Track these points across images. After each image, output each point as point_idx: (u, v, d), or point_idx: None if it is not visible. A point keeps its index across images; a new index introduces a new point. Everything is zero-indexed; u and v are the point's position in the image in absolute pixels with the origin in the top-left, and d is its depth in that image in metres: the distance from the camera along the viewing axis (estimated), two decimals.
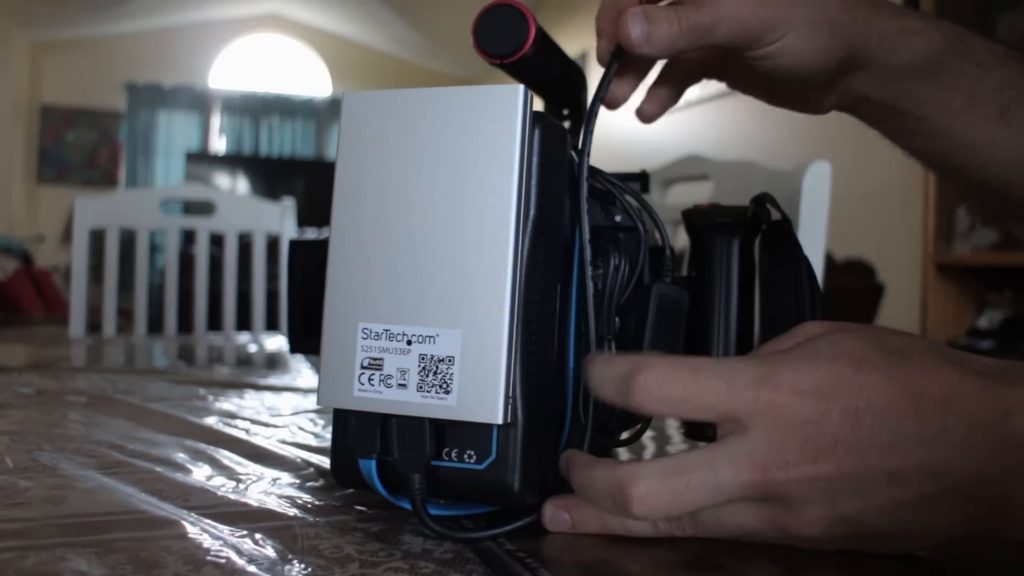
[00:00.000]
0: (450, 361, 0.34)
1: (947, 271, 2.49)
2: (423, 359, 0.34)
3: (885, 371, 0.30)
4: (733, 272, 0.43)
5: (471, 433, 0.35)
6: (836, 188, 0.97)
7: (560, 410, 0.38)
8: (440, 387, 0.34)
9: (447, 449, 0.35)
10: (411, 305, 0.35)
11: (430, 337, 0.34)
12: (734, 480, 0.30)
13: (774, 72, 0.44)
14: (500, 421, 0.33)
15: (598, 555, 0.34)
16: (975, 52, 0.46)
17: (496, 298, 0.33)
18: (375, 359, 0.35)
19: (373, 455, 0.35)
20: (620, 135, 2.98)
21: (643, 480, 0.31)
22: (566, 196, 0.38)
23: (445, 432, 0.35)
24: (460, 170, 0.34)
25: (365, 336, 0.35)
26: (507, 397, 0.33)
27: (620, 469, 0.32)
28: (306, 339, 0.47)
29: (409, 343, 0.34)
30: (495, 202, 0.34)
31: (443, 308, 0.34)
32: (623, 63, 0.43)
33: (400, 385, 0.34)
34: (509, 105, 0.34)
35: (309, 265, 0.45)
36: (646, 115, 0.51)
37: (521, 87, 0.34)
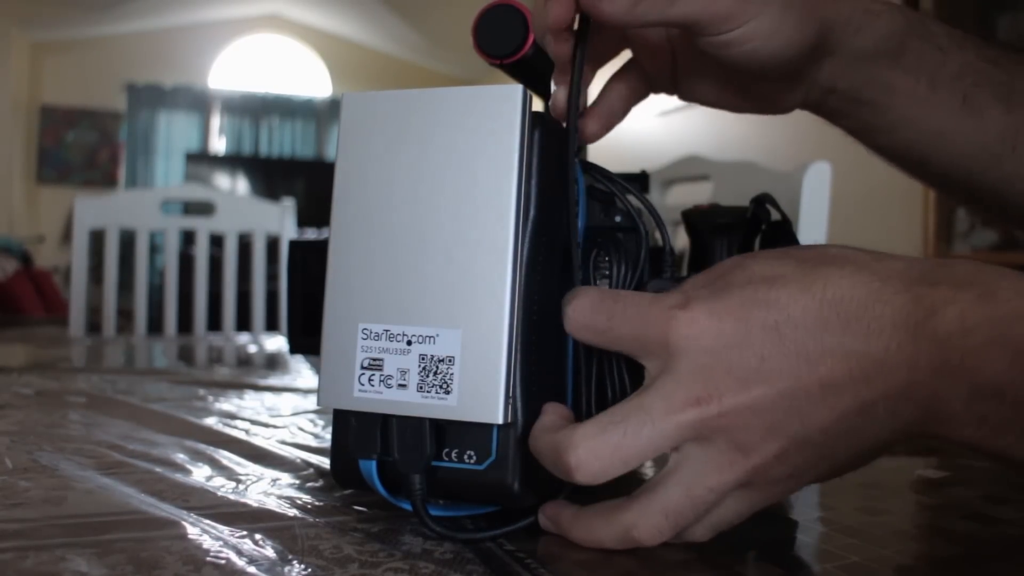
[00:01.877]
0: (450, 361, 0.34)
1: None
2: (423, 359, 0.34)
3: (800, 282, 0.29)
4: None
5: (471, 434, 0.35)
6: (836, 188, 0.97)
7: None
8: (440, 387, 0.34)
9: (447, 449, 0.35)
10: (411, 305, 0.35)
11: (430, 337, 0.34)
12: (671, 421, 0.30)
13: (740, 63, 0.40)
14: (500, 421, 0.33)
15: (598, 555, 0.34)
16: (935, 35, 0.44)
17: (496, 298, 0.33)
18: (375, 359, 0.35)
19: (373, 456, 0.35)
20: (620, 135, 2.98)
21: (579, 443, 0.30)
22: (567, 195, 0.38)
23: (445, 432, 0.35)
24: (460, 170, 0.34)
25: (365, 336, 0.35)
26: (507, 397, 0.33)
27: (558, 435, 0.31)
28: (306, 339, 0.47)
29: (409, 343, 0.34)
30: (495, 202, 0.34)
31: (443, 308, 0.34)
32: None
33: (400, 385, 0.34)
34: (508, 105, 0.34)
35: (309, 266, 0.45)
36: (587, 135, 0.45)
37: (520, 87, 0.34)
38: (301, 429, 0.57)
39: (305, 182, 5.89)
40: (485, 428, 0.34)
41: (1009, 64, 0.45)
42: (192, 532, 0.35)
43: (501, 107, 0.34)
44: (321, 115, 6.55)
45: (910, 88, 0.45)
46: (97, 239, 1.41)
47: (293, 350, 0.48)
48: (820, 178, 0.95)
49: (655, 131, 4.37)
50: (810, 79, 0.45)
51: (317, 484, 0.43)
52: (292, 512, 0.38)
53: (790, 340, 0.29)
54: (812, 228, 0.95)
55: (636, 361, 0.33)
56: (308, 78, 6.56)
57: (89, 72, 6.04)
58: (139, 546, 0.33)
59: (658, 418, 0.30)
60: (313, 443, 0.53)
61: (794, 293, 0.29)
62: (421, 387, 0.34)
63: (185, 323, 1.49)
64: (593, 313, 0.32)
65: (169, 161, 6.27)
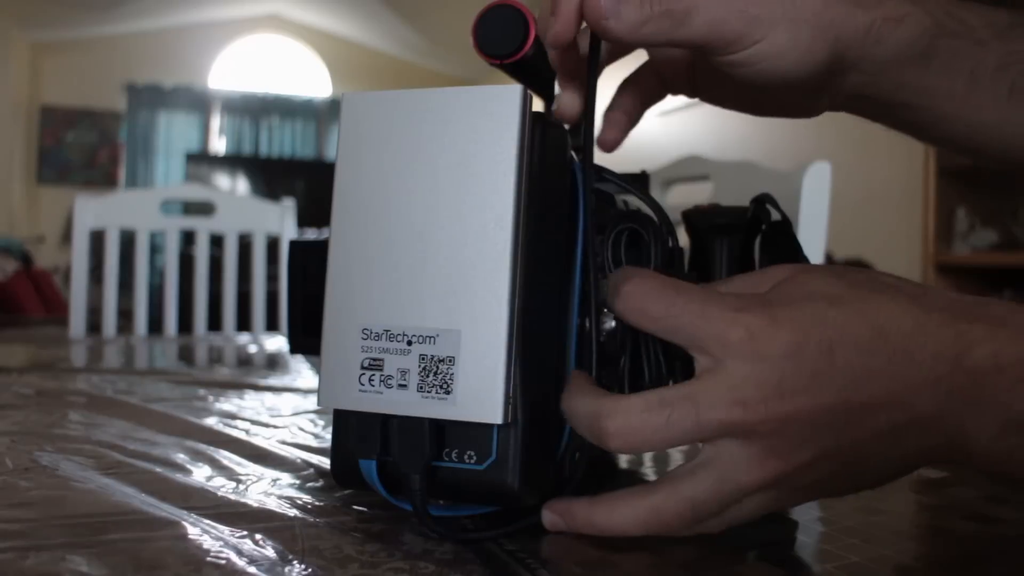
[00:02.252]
0: (450, 361, 0.34)
1: (947, 271, 2.49)
2: (423, 359, 0.34)
3: (855, 307, 0.31)
4: (732, 272, 0.43)
5: (471, 433, 0.35)
6: (836, 188, 0.97)
7: (560, 410, 0.38)
8: (440, 387, 0.34)
9: (447, 449, 0.35)
10: (411, 305, 0.35)
11: (430, 337, 0.34)
12: (715, 417, 0.30)
13: (755, 80, 0.40)
14: (500, 421, 0.33)
15: (598, 555, 0.34)
16: (971, 28, 0.42)
17: (496, 298, 0.33)
18: (375, 359, 0.35)
19: (373, 455, 0.35)
20: None
21: (621, 414, 0.31)
22: (567, 196, 0.38)
23: (445, 432, 0.35)
24: (459, 170, 0.34)
25: (365, 337, 0.35)
26: (507, 397, 0.33)
27: (602, 400, 0.32)
28: (306, 340, 0.47)
29: (409, 343, 0.34)
30: (494, 202, 0.34)
31: (443, 308, 0.34)
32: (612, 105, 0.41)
33: (400, 385, 0.34)
34: (508, 105, 0.34)
35: (309, 266, 0.45)
36: (607, 144, 0.46)
37: (520, 87, 0.34)
38: (301, 429, 0.57)
39: (305, 182, 5.89)
40: (485, 428, 0.34)
41: None
42: (192, 532, 0.35)
43: (501, 107, 0.34)
44: (321, 115, 6.55)
45: (947, 88, 0.43)
46: (97, 239, 1.41)
47: (294, 350, 0.49)
48: (820, 178, 0.95)
49: (655, 131, 4.36)
50: (834, 89, 0.44)
51: (317, 484, 0.43)
52: (292, 512, 0.38)
53: (841, 360, 0.30)
54: (812, 228, 0.95)
55: (671, 344, 0.33)
56: (308, 78, 6.56)
57: (89, 72, 6.04)
58: (139, 546, 0.33)
59: (704, 412, 0.30)
60: (313, 443, 0.53)
61: (850, 316, 0.30)
62: (421, 387, 0.34)
63: (185, 323, 1.49)
64: (651, 299, 0.32)
65: (169, 161, 6.27)
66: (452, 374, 0.34)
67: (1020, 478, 0.32)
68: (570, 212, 0.38)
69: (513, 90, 0.34)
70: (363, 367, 0.35)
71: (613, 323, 0.39)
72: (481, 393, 0.33)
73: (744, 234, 0.43)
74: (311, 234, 3.99)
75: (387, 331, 0.35)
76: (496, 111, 0.34)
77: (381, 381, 0.35)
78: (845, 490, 0.34)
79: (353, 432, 0.36)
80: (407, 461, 0.35)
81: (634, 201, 0.40)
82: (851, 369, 0.30)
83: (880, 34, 0.41)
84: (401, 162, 0.35)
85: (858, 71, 0.42)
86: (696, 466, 0.32)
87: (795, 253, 0.41)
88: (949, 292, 0.32)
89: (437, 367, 0.34)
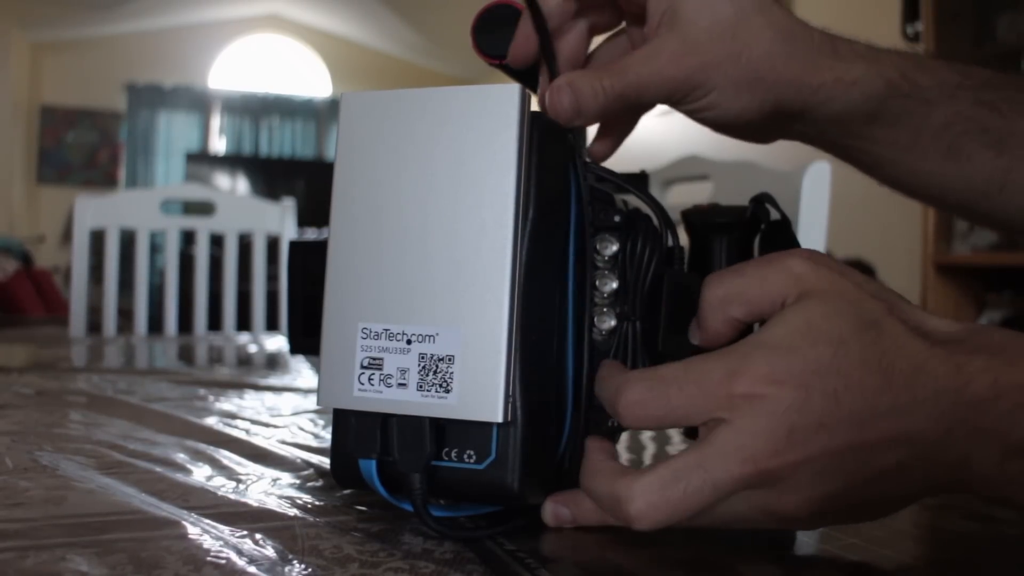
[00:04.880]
0: (450, 360, 0.34)
1: (947, 271, 2.49)
2: (423, 358, 0.34)
3: (860, 351, 0.31)
4: None
5: (471, 433, 0.35)
6: (836, 188, 0.97)
7: (560, 409, 0.38)
8: (440, 386, 0.34)
9: (447, 449, 0.35)
10: (411, 304, 0.35)
11: (430, 336, 0.34)
12: (728, 477, 0.31)
13: (705, 123, 0.44)
14: (500, 420, 0.33)
15: (598, 555, 0.34)
16: (922, 89, 0.44)
17: (496, 297, 0.33)
18: (375, 359, 0.35)
19: (373, 455, 0.35)
20: None
21: (639, 497, 0.31)
22: (566, 195, 0.38)
23: (445, 432, 0.35)
24: (459, 170, 0.34)
25: (365, 336, 0.35)
26: (507, 396, 0.33)
27: (618, 485, 0.32)
28: (306, 340, 0.47)
29: (409, 342, 0.34)
30: (494, 201, 0.34)
31: (443, 307, 0.34)
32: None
33: (400, 384, 0.34)
34: (507, 105, 0.34)
35: (309, 266, 0.45)
36: (598, 155, 0.46)
37: (518, 86, 0.34)
38: (301, 429, 0.57)
39: (305, 182, 5.88)
40: (485, 427, 0.34)
41: (1010, 106, 0.45)
42: (192, 532, 0.35)
43: (500, 106, 0.34)
44: (321, 115, 6.55)
45: (891, 138, 0.45)
46: (97, 239, 1.41)
47: (294, 350, 0.48)
48: (820, 178, 0.95)
49: (655, 131, 4.36)
50: (781, 131, 0.46)
51: (317, 484, 0.43)
52: (292, 512, 0.38)
53: (847, 406, 0.31)
54: (812, 228, 0.95)
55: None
56: (308, 78, 6.56)
57: (89, 72, 6.04)
58: (139, 546, 0.33)
59: (718, 475, 0.31)
60: (313, 443, 0.53)
61: (855, 364, 0.31)
62: (421, 386, 0.34)
63: (185, 323, 1.49)
64: (647, 407, 0.32)
65: (169, 161, 6.26)
66: (452, 373, 0.34)
67: (1022, 503, 0.32)
68: (568, 211, 0.38)
69: (511, 89, 0.34)
70: (362, 366, 0.35)
71: (613, 323, 0.39)
72: (481, 392, 0.33)
73: (743, 233, 0.43)
74: (311, 234, 3.99)
75: (386, 330, 0.35)
76: (495, 110, 0.34)
77: (380, 380, 0.35)
78: (853, 521, 0.34)
79: (352, 432, 0.36)
80: (407, 461, 0.34)
81: (633, 200, 0.40)
82: (857, 413, 0.31)
83: (831, 94, 0.42)
84: (400, 161, 0.35)
85: (805, 122, 0.44)
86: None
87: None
88: (949, 324, 0.33)
89: (437, 366, 0.34)
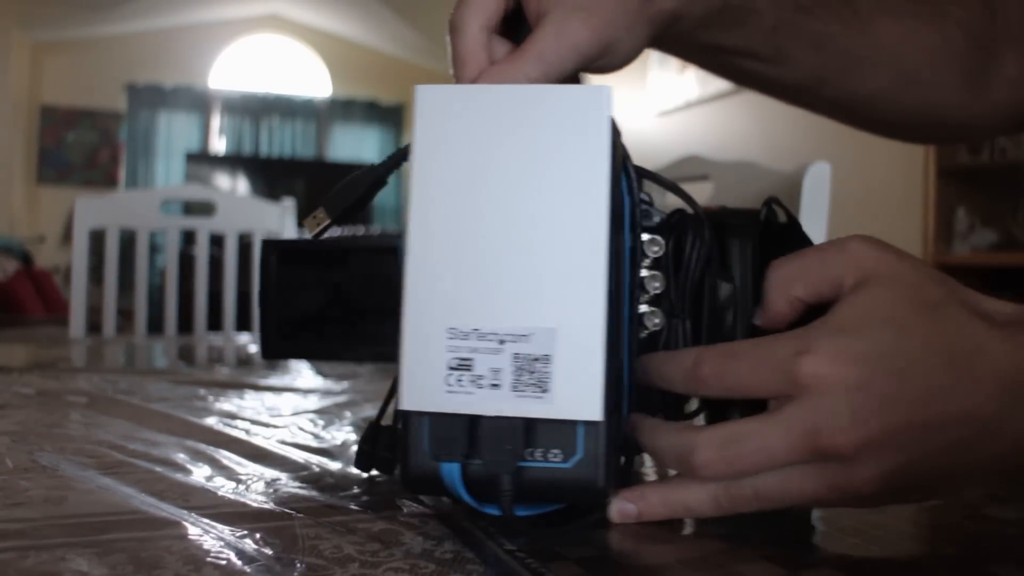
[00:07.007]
0: (546, 360, 0.33)
1: (946, 271, 2.49)
2: (517, 358, 0.34)
3: (921, 333, 0.33)
4: (748, 275, 0.42)
5: (556, 431, 0.34)
6: (836, 188, 0.97)
7: (618, 401, 0.37)
8: (536, 386, 0.33)
9: (530, 449, 0.34)
10: (502, 304, 0.34)
11: (524, 336, 0.34)
12: (785, 447, 0.32)
13: (604, 69, 0.44)
14: (599, 418, 0.33)
15: (599, 555, 0.34)
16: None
17: (593, 295, 0.33)
18: (464, 360, 0.34)
19: (459, 458, 0.34)
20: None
21: (703, 447, 0.33)
22: (621, 194, 0.38)
23: (530, 432, 0.34)
24: (547, 168, 0.34)
25: (452, 336, 0.34)
26: (604, 394, 0.33)
27: (683, 437, 0.34)
28: (284, 344, 0.46)
29: (502, 342, 0.34)
30: (587, 201, 0.34)
31: (536, 307, 0.34)
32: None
33: (493, 385, 0.34)
34: (598, 106, 0.34)
35: (284, 268, 0.44)
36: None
37: (607, 88, 0.34)
38: (301, 429, 0.57)
39: (305, 182, 5.88)
40: (569, 425, 0.34)
41: (823, 10, 0.52)
42: (192, 532, 0.35)
43: (591, 107, 0.34)
44: (321, 115, 6.55)
45: (730, 41, 0.50)
46: (97, 239, 1.41)
47: (268, 355, 0.46)
48: (820, 178, 0.95)
49: (655, 131, 4.37)
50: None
51: (317, 484, 0.43)
52: (292, 512, 0.38)
53: (910, 385, 0.32)
54: (812, 228, 0.94)
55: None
56: (308, 78, 6.56)
57: (89, 72, 6.04)
58: (139, 546, 0.33)
59: (774, 443, 0.32)
60: (313, 443, 0.53)
61: (917, 345, 0.32)
62: (516, 386, 0.33)
63: (185, 323, 1.49)
64: (722, 378, 0.34)
65: (169, 161, 6.27)
66: (548, 372, 0.33)
67: None
68: (623, 210, 0.38)
69: (602, 90, 0.34)
70: (451, 368, 0.34)
71: (658, 321, 0.39)
72: (579, 390, 0.33)
73: (755, 235, 0.43)
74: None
75: (476, 330, 0.34)
76: (586, 111, 0.34)
77: (471, 381, 0.34)
78: (921, 497, 0.36)
79: (436, 434, 0.34)
80: (497, 462, 0.34)
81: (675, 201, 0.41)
82: (919, 391, 0.32)
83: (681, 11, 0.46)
84: (483, 158, 0.35)
85: (670, 36, 0.47)
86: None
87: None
88: (1008, 305, 0.35)
89: (532, 365, 0.33)
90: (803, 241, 0.41)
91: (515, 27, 0.43)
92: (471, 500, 0.35)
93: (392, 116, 6.64)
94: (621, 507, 0.36)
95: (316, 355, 0.70)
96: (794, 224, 0.42)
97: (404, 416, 0.35)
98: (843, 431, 0.32)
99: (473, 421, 0.34)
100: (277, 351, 0.46)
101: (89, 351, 1.06)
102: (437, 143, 0.35)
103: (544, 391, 0.33)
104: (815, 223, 0.94)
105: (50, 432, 0.54)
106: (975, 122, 0.59)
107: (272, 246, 0.45)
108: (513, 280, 0.34)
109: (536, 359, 0.33)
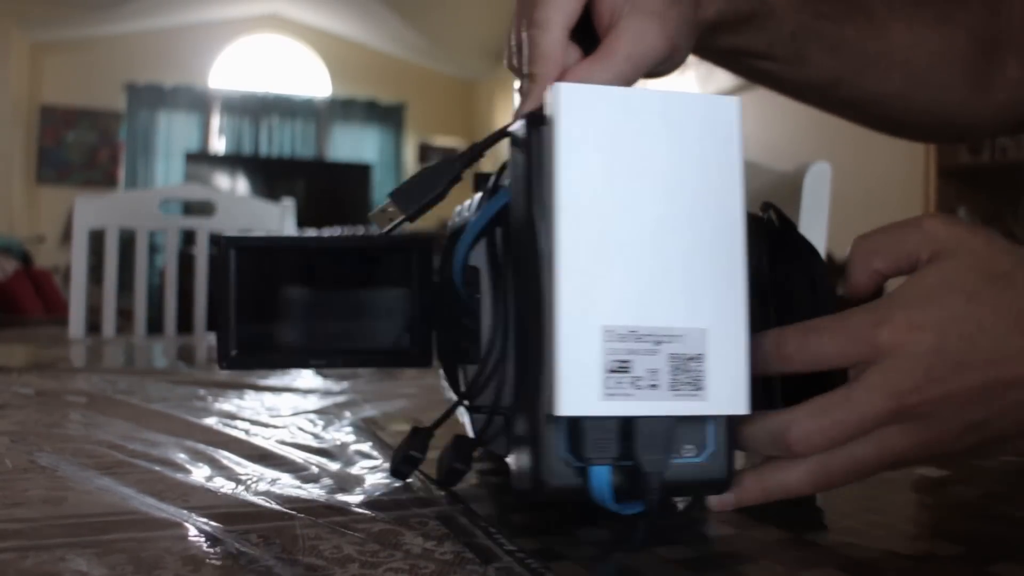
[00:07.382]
0: (699, 358, 0.34)
1: None
2: (673, 358, 0.34)
3: (992, 299, 0.35)
4: (748, 276, 0.42)
5: (690, 427, 0.35)
6: (836, 188, 0.97)
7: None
8: (692, 384, 0.34)
9: (677, 446, 0.35)
10: (654, 305, 0.34)
11: (678, 336, 0.34)
12: (872, 410, 0.34)
13: (660, 74, 0.46)
14: (746, 411, 0.34)
15: (599, 554, 0.34)
16: (772, 4, 0.51)
17: (737, 294, 0.35)
18: (622, 361, 0.34)
19: (611, 460, 0.34)
20: None
21: (796, 425, 0.35)
22: None
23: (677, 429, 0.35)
24: (691, 172, 0.35)
25: (608, 339, 0.34)
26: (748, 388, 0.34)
27: (775, 419, 0.36)
28: (247, 355, 0.42)
29: (658, 343, 0.34)
30: (726, 203, 0.35)
31: (686, 307, 0.34)
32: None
33: (651, 386, 0.34)
34: (732, 112, 0.36)
35: (246, 268, 0.41)
36: None
37: (738, 98, 0.36)
38: (301, 429, 0.57)
39: (305, 182, 5.88)
40: (700, 420, 0.35)
41: (841, 15, 0.55)
42: (192, 532, 0.35)
43: (727, 114, 0.36)
44: (321, 115, 6.54)
45: (752, 45, 0.53)
46: (97, 239, 1.41)
47: (227, 366, 0.42)
48: (820, 178, 0.95)
49: None
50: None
51: (317, 484, 0.43)
52: (292, 512, 0.38)
53: (982, 347, 0.35)
54: (812, 228, 0.95)
55: None
56: (308, 78, 6.56)
57: (89, 72, 6.03)
58: (139, 546, 0.33)
59: (863, 408, 0.34)
60: (313, 443, 0.53)
61: (987, 311, 0.35)
62: (674, 386, 0.34)
63: (185, 323, 1.49)
64: (806, 351, 0.36)
65: (169, 161, 6.26)
66: (702, 371, 0.34)
67: None
68: None
69: (732, 100, 0.36)
70: (609, 370, 0.34)
71: None
72: (729, 386, 0.34)
73: (757, 238, 0.43)
74: (311, 234, 3.97)
75: (632, 331, 0.34)
76: (722, 118, 0.36)
77: (630, 383, 0.34)
78: (991, 453, 0.39)
79: (588, 437, 0.34)
80: (651, 462, 0.34)
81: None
82: (991, 352, 0.35)
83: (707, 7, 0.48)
84: (628, 159, 0.35)
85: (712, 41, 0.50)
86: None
87: (811, 254, 0.41)
88: None
89: (687, 365, 0.34)
90: (801, 243, 0.42)
91: (580, 30, 0.43)
92: (613, 504, 0.34)
93: (392, 116, 6.64)
94: (719, 496, 0.37)
95: (279, 364, 0.62)
96: (790, 227, 0.42)
97: (531, 422, 0.35)
98: (920, 390, 0.34)
99: (626, 422, 0.34)
100: (244, 362, 0.43)
101: (89, 351, 1.06)
102: (582, 142, 0.35)
103: (699, 389, 0.34)
104: (815, 223, 0.95)
105: (49, 432, 0.54)
106: (980, 122, 0.62)
107: (232, 243, 0.42)
108: (664, 281, 0.34)
109: (691, 358, 0.34)
